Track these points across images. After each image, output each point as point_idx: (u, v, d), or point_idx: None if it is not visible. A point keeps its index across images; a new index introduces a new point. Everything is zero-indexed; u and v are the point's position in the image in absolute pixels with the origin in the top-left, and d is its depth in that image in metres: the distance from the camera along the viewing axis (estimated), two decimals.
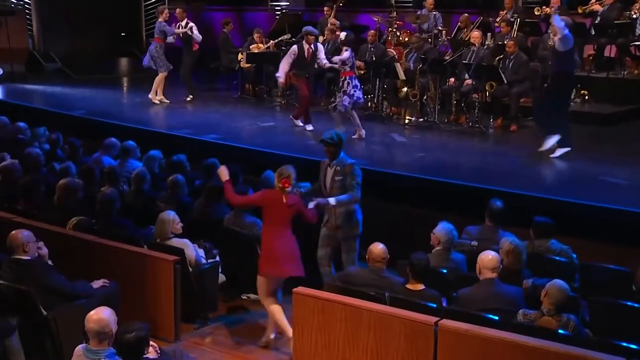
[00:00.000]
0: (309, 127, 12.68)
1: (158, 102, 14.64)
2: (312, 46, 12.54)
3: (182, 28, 14.46)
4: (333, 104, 12.14)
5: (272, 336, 7.07)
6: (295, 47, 12.56)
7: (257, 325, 7.47)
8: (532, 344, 5.45)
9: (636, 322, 6.16)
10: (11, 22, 17.74)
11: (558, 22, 10.33)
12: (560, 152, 10.73)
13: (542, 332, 5.68)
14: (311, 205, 7.26)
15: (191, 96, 14.93)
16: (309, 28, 13.01)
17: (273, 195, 7.09)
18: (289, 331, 6.74)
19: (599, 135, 12.29)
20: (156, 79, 14.65)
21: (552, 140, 10.71)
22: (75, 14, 18.50)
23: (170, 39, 14.64)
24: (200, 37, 14.69)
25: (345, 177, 7.55)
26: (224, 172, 7.27)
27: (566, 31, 10.33)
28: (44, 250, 6.79)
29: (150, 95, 14.66)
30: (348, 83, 11.72)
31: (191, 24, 14.70)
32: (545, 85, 11.70)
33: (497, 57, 12.88)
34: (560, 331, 5.71)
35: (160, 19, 14.62)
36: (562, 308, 5.86)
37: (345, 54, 11.75)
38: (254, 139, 12.18)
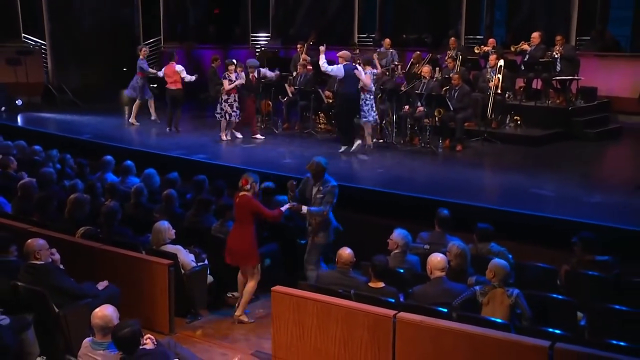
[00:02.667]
0: (260, 136, 13.62)
1: (133, 124, 15.02)
2: (256, 72, 13.70)
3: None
4: None
5: (238, 313, 7.35)
6: (242, 73, 13.34)
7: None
8: (475, 332, 5.50)
9: (561, 311, 6.26)
10: (30, 61, 17.86)
11: (325, 66, 12.06)
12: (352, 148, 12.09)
13: (483, 322, 5.72)
14: (283, 208, 7.58)
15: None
16: (252, 61, 14.40)
17: (235, 197, 7.44)
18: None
19: (530, 155, 12.35)
20: (135, 104, 15.05)
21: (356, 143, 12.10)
22: (84, 53, 18.39)
23: (160, 74, 14.66)
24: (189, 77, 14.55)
25: (325, 195, 7.72)
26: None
27: (331, 69, 11.98)
28: (56, 256, 6.77)
29: (130, 119, 15.08)
30: None
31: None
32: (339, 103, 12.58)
33: (445, 88, 12.99)
34: (499, 320, 5.75)
35: (140, 57, 14.85)
36: (506, 280, 6.08)
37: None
38: (237, 158, 12.17)
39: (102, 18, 19.15)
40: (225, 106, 13.09)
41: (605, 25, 16.57)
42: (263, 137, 13.62)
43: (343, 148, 12.22)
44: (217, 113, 13.24)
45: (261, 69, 14.09)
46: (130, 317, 5.44)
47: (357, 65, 12.28)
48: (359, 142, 12.28)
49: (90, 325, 5.37)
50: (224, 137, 13.30)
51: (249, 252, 7.32)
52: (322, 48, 12.44)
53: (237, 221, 7.42)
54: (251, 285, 7.37)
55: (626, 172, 12.07)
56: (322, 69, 12.24)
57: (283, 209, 7.58)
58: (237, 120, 13.33)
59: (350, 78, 12.01)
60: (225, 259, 7.44)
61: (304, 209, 7.62)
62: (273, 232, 8.23)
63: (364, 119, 12.17)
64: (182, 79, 14.32)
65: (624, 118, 14.79)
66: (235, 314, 7.36)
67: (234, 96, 13.12)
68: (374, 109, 12.26)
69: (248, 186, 7.29)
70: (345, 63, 12.07)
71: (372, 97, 12.20)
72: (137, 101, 14.95)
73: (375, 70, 12.70)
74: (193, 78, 14.60)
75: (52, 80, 18.67)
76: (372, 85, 12.19)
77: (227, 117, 13.15)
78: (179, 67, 14.33)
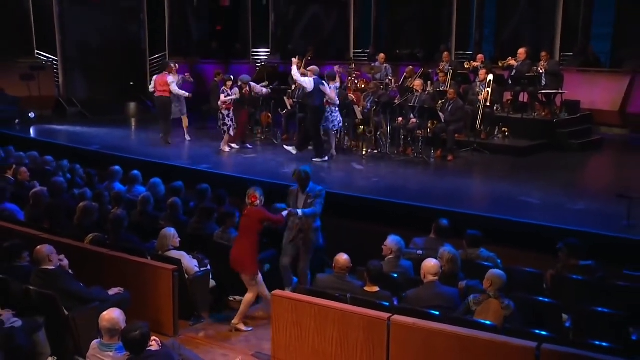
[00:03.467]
0: (249, 146, 13.71)
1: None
2: (248, 87, 13.75)
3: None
4: None
5: (236, 322, 7.26)
6: (236, 88, 13.51)
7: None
8: (466, 334, 5.49)
9: (547, 313, 6.26)
10: (42, 76, 17.98)
11: (297, 76, 12.28)
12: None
13: (473, 324, 5.71)
14: (284, 213, 7.63)
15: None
16: (244, 77, 14.22)
17: (244, 210, 7.44)
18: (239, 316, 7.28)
19: (517, 164, 12.36)
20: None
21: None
22: (93, 68, 18.46)
23: (151, 88, 14.47)
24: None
25: (315, 198, 7.72)
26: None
27: (303, 80, 12.14)
28: (65, 262, 6.76)
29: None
30: None
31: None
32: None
33: (440, 101, 13.02)
34: (488, 323, 5.76)
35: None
36: (502, 291, 6.02)
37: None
38: (238, 168, 12.15)
39: (110, 35, 19.20)
40: (227, 120, 13.19)
41: (587, 42, 16.68)
42: (251, 147, 13.70)
43: (318, 159, 12.34)
44: (225, 125, 13.27)
45: (251, 83, 14.06)
46: (136, 319, 5.42)
47: (323, 81, 12.46)
48: (333, 153, 12.65)
49: (98, 327, 5.37)
50: (226, 149, 13.33)
51: (249, 262, 7.26)
52: (294, 60, 12.73)
53: (243, 233, 7.34)
54: (250, 296, 7.33)
55: (608, 180, 12.15)
56: (295, 78, 12.59)
57: (284, 214, 7.62)
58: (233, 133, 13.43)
59: (318, 92, 12.22)
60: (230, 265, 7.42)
61: (299, 212, 7.63)
62: (272, 239, 8.22)
63: (327, 127, 12.60)
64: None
65: (605, 130, 14.92)
66: (233, 321, 7.28)
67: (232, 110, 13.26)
68: (339, 119, 12.64)
69: (257, 201, 7.33)
70: (314, 77, 12.25)
71: (336, 109, 12.55)
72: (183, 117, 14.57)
73: (337, 84, 12.97)
74: (185, 94, 14.26)
75: (63, 94, 18.71)
76: (337, 98, 12.51)
77: (228, 129, 13.21)
78: (170, 79, 13.99)
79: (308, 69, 12.80)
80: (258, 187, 7.51)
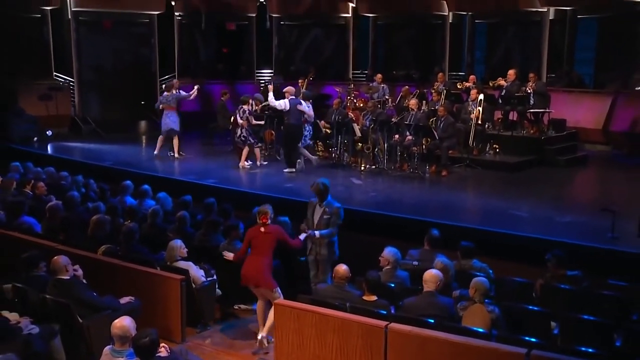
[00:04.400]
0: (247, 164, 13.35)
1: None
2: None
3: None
4: None
5: (260, 336, 6.98)
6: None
7: (246, 329, 7.41)
8: (459, 341, 5.48)
9: (536, 320, 6.26)
10: (59, 96, 18.07)
11: (272, 101, 12.29)
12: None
13: (466, 331, 5.70)
14: (302, 236, 7.49)
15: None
16: (258, 95, 14.53)
17: (254, 230, 7.15)
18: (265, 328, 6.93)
19: (507, 179, 12.38)
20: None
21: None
22: (107, 88, 18.51)
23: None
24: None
25: (331, 216, 7.65)
26: (228, 255, 7.32)
27: (278, 103, 12.29)
28: (80, 272, 6.77)
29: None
30: None
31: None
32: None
33: (431, 119, 13.06)
34: (481, 330, 5.75)
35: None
36: (486, 296, 6.07)
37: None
38: (243, 183, 12.17)
39: (123, 58, 19.29)
40: (246, 135, 13.15)
41: (571, 64, 16.82)
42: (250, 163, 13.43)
43: (288, 170, 12.65)
44: (242, 142, 13.17)
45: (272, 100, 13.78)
46: (146, 326, 5.42)
47: (302, 101, 12.69)
48: (301, 164, 12.91)
49: (110, 334, 5.36)
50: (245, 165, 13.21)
51: (269, 277, 7.09)
52: (270, 87, 12.80)
53: (260, 250, 7.06)
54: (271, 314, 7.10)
55: (593, 195, 12.21)
56: (271, 104, 12.58)
57: (302, 237, 7.51)
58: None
59: (295, 111, 12.47)
60: (242, 280, 7.14)
61: (317, 234, 7.60)
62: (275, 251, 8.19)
63: (304, 144, 12.91)
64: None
65: (590, 147, 14.99)
66: (262, 334, 6.95)
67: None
68: (310, 135, 13.25)
69: (269, 221, 7.11)
70: (291, 98, 12.50)
71: (310, 126, 13.08)
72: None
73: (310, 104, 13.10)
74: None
75: (78, 113, 18.75)
76: (313, 117, 12.84)
77: (247, 144, 13.22)
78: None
79: (284, 90, 12.85)
80: (269, 205, 7.26)
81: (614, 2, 15.26)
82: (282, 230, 7.25)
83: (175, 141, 14.16)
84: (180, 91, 14.31)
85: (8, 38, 17.40)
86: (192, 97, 14.38)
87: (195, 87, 14.36)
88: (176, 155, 14.23)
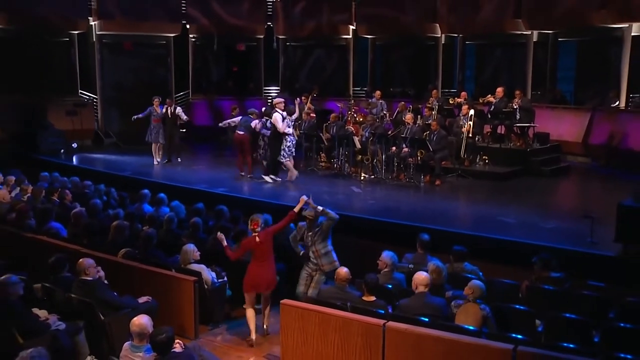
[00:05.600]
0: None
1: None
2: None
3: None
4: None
5: (254, 337, 7.05)
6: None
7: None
8: (451, 338, 5.48)
9: (522, 319, 6.25)
10: (84, 111, 18.25)
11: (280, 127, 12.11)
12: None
13: (458, 329, 5.70)
14: (296, 209, 7.40)
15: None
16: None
17: (249, 241, 7.18)
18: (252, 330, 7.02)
19: (496, 188, 12.37)
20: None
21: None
22: (127, 104, 18.39)
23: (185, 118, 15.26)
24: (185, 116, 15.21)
25: (322, 226, 7.36)
26: (222, 238, 7.24)
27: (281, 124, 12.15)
28: (102, 273, 6.79)
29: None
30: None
31: (178, 108, 15.37)
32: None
33: (426, 132, 13.07)
34: (472, 327, 5.74)
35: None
36: (480, 298, 6.08)
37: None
38: (251, 191, 12.15)
39: (141, 76, 19.36)
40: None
41: (554, 82, 16.88)
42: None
43: (267, 176, 12.71)
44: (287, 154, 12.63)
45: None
46: (162, 324, 5.44)
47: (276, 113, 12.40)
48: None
49: (129, 331, 5.38)
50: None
51: (275, 280, 7.21)
52: (256, 122, 12.82)
53: (264, 257, 7.08)
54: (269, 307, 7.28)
55: (574, 202, 12.19)
56: (281, 130, 12.35)
57: (295, 210, 7.39)
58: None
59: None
60: (248, 289, 7.14)
61: (319, 208, 7.37)
62: (279, 254, 8.18)
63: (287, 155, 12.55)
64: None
65: (572, 158, 14.99)
66: (262, 329, 7.16)
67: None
68: (292, 146, 12.61)
69: (259, 228, 7.08)
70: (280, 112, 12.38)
71: (290, 138, 12.54)
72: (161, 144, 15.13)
73: (293, 117, 12.83)
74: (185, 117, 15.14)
75: (101, 127, 18.88)
76: (287, 129, 12.41)
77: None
78: (178, 109, 15.17)
79: (273, 102, 12.75)
80: (261, 215, 7.31)
81: (591, 28, 15.30)
82: (269, 229, 7.26)
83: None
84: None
85: (39, 59, 17.63)
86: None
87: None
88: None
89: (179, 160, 15.16)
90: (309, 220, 7.38)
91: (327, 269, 7.35)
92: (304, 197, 7.47)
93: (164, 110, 14.96)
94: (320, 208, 7.38)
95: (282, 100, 12.83)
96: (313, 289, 7.37)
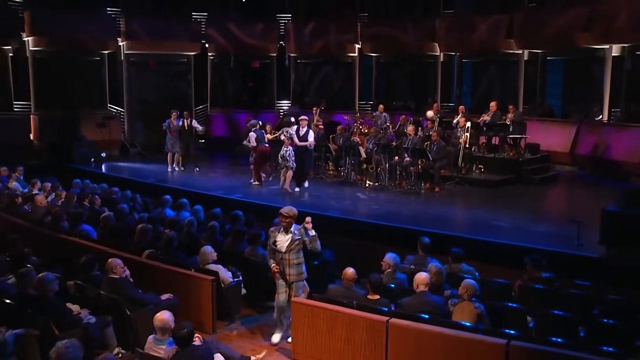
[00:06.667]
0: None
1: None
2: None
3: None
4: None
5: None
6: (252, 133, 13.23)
7: (267, 324, 7.30)
8: (449, 333, 5.48)
9: (514, 316, 6.25)
10: (112, 123, 18.47)
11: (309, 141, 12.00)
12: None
13: (456, 325, 5.69)
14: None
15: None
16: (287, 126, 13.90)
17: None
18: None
19: (491, 194, 12.36)
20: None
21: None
22: (150, 117, 18.50)
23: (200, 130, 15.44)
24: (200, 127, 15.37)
25: (302, 236, 6.58)
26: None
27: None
28: (128, 272, 6.81)
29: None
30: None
31: (194, 120, 15.56)
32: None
33: (426, 143, 13.07)
34: (468, 324, 5.73)
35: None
36: (474, 296, 6.05)
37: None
38: (264, 197, 12.13)
39: (164, 91, 19.49)
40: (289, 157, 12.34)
41: (543, 97, 16.91)
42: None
43: (298, 188, 12.37)
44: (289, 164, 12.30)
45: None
46: (183, 319, 5.46)
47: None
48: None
49: (153, 325, 5.40)
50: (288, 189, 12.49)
51: None
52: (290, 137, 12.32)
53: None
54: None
55: (562, 208, 12.15)
56: (308, 144, 12.33)
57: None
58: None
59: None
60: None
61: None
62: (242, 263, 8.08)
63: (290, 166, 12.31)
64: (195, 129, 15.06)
65: (559, 167, 15.00)
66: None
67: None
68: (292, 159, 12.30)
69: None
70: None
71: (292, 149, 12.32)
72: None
73: (292, 130, 12.51)
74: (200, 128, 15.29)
75: (127, 138, 19.00)
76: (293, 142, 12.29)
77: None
78: (194, 122, 15.23)
79: (300, 118, 12.66)
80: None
81: (576, 48, 15.40)
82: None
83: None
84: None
85: (74, 77, 17.87)
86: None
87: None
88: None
89: (197, 169, 15.10)
90: (288, 222, 6.59)
91: (293, 279, 6.62)
92: (309, 219, 6.75)
93: (180, 122, 14.97)
94: (313, 233, 6.63)
95: (306, 118, 12.80)
96: (294, 297, 6.71)
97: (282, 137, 12.56)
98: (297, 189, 12.32)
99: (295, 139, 12.30)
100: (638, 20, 13.34)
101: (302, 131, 12.42)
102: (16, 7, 17.35)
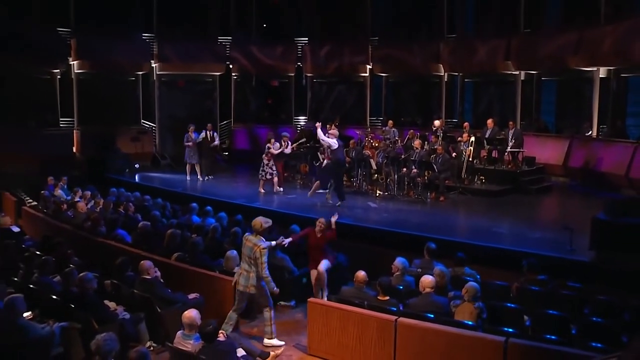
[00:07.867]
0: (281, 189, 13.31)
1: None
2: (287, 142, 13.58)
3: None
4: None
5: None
6: (277, 143, 13.41)
7: (285, 321, 7.36)
8: (452, 331, 5.48)
9: (512, 315, 6.17)
10: (145, 137, 18.72)
11: (322, 137, 11.53)
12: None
13: (458, 324, 5.68)
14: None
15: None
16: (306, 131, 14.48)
17: (310, 231, 7.68)
18: None
19: (491, 204, 12.30)
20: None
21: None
22: (179, 131, 18.30)
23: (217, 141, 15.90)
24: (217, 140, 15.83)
25: (256, 255, 6.53)
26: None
27: (331, 141, 11.54)
28: (158, 273, 6.86)
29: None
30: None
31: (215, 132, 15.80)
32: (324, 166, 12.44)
33: (432, 156, 13.05)
34: (469, 322, 5.71)
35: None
36: (475, 297, 6.01)
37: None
38: (282, 205, 12.16)
39: (192, 108, 19.64)
40: (266, 168, 13.21)
41: (538, 114, 16.89)
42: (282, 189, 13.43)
43: (339, 202, 11.74)
44: (263, 172, 13.19)
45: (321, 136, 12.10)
46: (208, 317, 5.50)
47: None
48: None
49: (181, 322, 5.44)
50: (262, 191, 13.29)
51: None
52: (318, 124, 12.10)
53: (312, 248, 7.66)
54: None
55: (556, 216, 12.03)
56: (320, 138, 11.66)
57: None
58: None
59: (341, 149, 11.91)
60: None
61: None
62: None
63: None
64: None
65: (554, 178, 14.90)
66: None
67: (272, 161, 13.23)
68: None
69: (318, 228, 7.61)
70: (336, 138, 11.87)
71: None
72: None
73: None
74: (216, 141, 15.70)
75: (158, 150, 19.15)
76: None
77: (265, 175, 13.25)
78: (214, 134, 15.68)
79: (330, 132, 12.56)
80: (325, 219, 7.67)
81: (568, 70, 15.42)
82: (326, 234, 7.61)
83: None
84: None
85: (111, 95, 18.15)
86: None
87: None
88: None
89: (208, 178, 15.24)
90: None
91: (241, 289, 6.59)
92: (336, 215, 7.70)
93: (199, 135, 15.18)
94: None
95: (337, 131, 12.50)
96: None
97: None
98: (338, 203, 11.78)
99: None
100: (620, 46, 13.43)
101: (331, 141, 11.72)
102: (65, 35, 17.85)
